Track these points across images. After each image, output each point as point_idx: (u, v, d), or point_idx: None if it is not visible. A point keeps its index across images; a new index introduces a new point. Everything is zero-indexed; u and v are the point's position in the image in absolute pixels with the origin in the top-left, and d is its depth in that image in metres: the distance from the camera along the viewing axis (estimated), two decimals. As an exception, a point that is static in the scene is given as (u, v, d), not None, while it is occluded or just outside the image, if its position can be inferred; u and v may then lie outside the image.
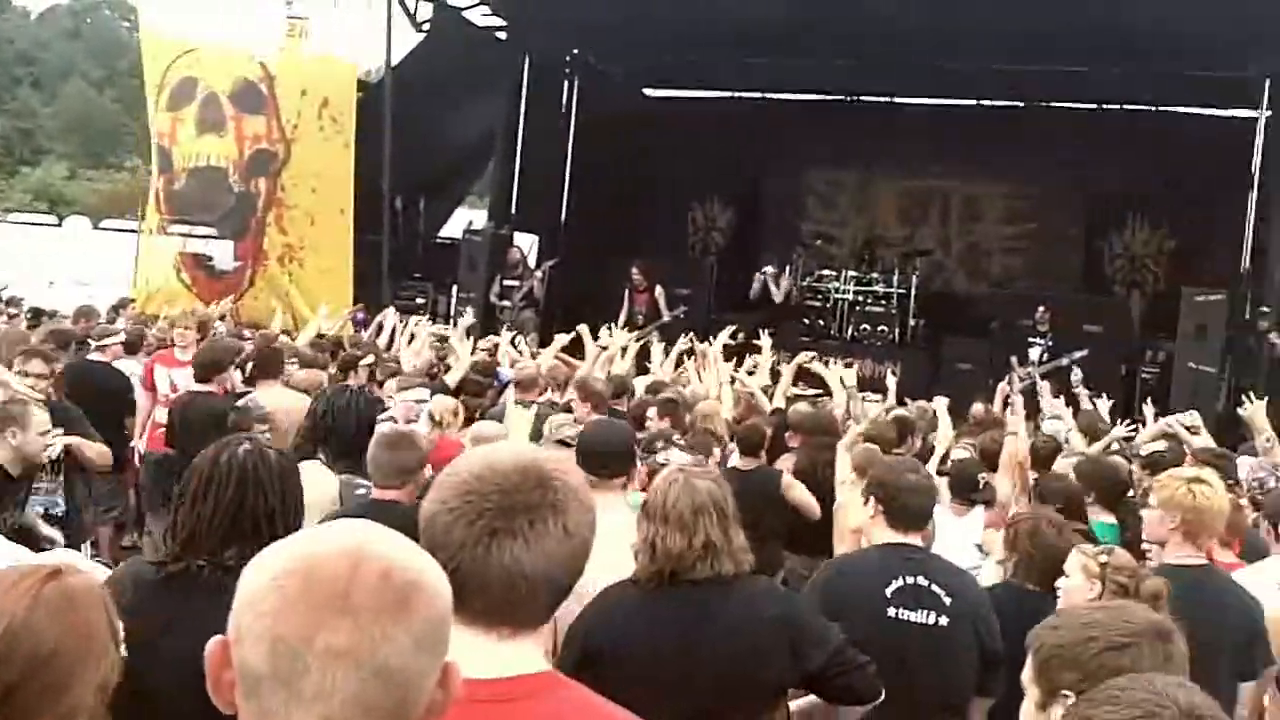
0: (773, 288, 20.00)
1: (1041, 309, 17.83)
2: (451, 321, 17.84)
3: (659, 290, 19.14)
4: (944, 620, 4.52)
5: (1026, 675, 2.63)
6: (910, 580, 4.57)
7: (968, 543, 6.47)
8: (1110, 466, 7.02)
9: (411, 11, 19.38)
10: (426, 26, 19.74)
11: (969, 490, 7.30)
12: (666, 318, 18.40)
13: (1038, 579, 4.98)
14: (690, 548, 3.86)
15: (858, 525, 5.58)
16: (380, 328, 13.28)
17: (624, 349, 12.10)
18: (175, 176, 17.47)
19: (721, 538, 3.92)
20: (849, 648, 4.03)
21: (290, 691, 1.52)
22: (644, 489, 4.89)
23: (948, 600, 4.55)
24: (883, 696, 4.06)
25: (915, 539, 4.78)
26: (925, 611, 4.53)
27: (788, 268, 20.38)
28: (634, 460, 5.12)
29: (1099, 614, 2.64)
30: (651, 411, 8.50)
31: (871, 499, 4.79)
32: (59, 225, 34.88)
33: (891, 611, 4.50)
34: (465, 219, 22.46)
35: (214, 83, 17.23)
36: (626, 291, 19.31)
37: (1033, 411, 11.83)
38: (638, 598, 3.95)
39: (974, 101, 22.71)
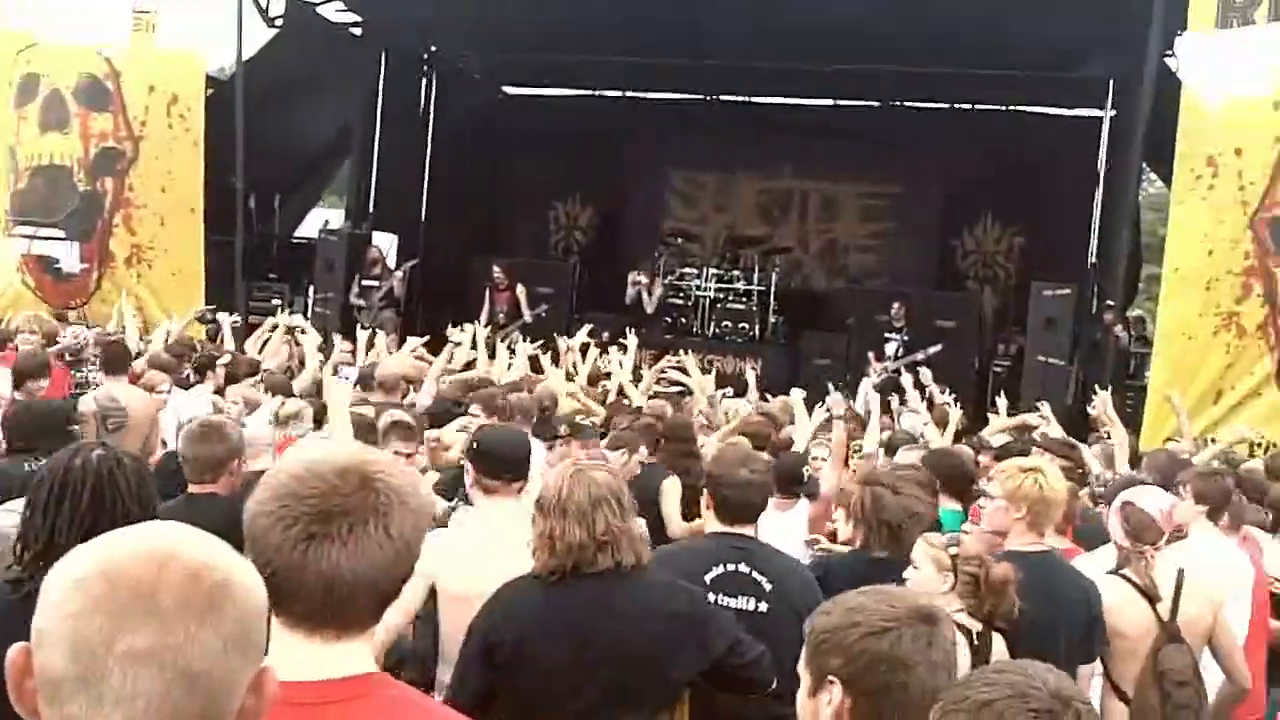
0: (645, 297, 19.96)
1: (897, 305, 18.13)
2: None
3: (520, 289, 19.02)
4: (764, 606, 4.53)
5: (801, 662, 2.62)
6: (731, 567, 4.59)
7: (793, 536, 6.49)
8: (955, 455, 7.14)
9: (263, 6, 19.07)
10: (279, 22, 19.44)
11: (793, 484, 7.35)
12: (528, 317, 18.38)
13: (884, 543, 5.08)
14: (590, 538, 3.88)
15: None
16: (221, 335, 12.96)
17: (488, 351, 12.09)
18: (20, 176, 16.99)
19: (621, 527, 3.94)
20: (746, 636, 4.09)
21: (91, 695, 1.45)
22: None
23: (768, 586, 4.57)
24: (775, 684, 4.08)
25: (746, 529, 4.79)
26: (745, 598, 4.56)
27: (657, 277, 20.31)
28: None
29: (865, 598, 2.61)
30: (475, 408, 8.45)
31: (706, 491, 4.85)
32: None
33: (710, 597, 4.48)
34: (322, 218, 22.14)
35: (57, 79, 16.75)
36: (488, 290, 19.19)
37: (888, 406, 12.05)
38: (538, 591, 3.96)
39: (831, 102, 22.98)
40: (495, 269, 19.30)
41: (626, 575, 3.94)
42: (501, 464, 4.84)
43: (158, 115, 16.71)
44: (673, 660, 3.94)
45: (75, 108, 16.74)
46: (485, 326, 17.09)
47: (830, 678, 2.49)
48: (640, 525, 4.16)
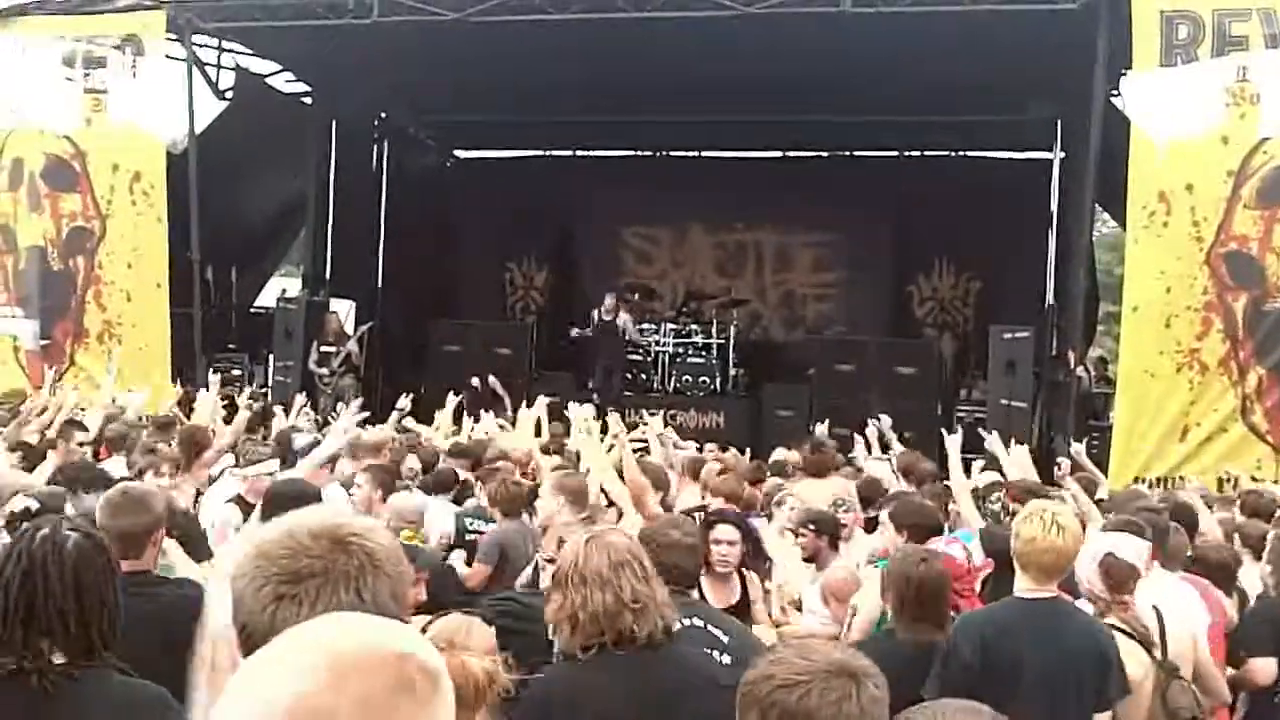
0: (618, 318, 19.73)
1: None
2: (268, 393, 17.55)
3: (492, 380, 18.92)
4: (726, 659, 4.41)
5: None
6: (687, 622, 4.42)
7: None
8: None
9: (213, 80, 19.07)
10: (230, 94, 19.45)
11: None
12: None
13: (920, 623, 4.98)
14: (619, 603, 3.70)
15: None
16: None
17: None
18: (20, 257, 16.94)
19: (647, 592, 3.78)
20: None
21: None
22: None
23: (726, 639, 4.51)
24: None
25: (690, 592, 4.78)
26: (708, 651, 4.47)
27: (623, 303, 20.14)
28: None
29: (788, 651, 2.62)
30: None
31: None
32: None
33: None
34: (280, 287, 22.07)
35: (30, 162, 16.77)
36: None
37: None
38: (580, 672, 3.76)
39: (780, 154, 23.20)
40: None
41: (666, 644, 3.78)
42: None
43: (122, 193, 16.69)
44: None
45: (44, 189, 16.73)
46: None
47: None
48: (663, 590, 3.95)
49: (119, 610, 3.32)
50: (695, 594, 4.83)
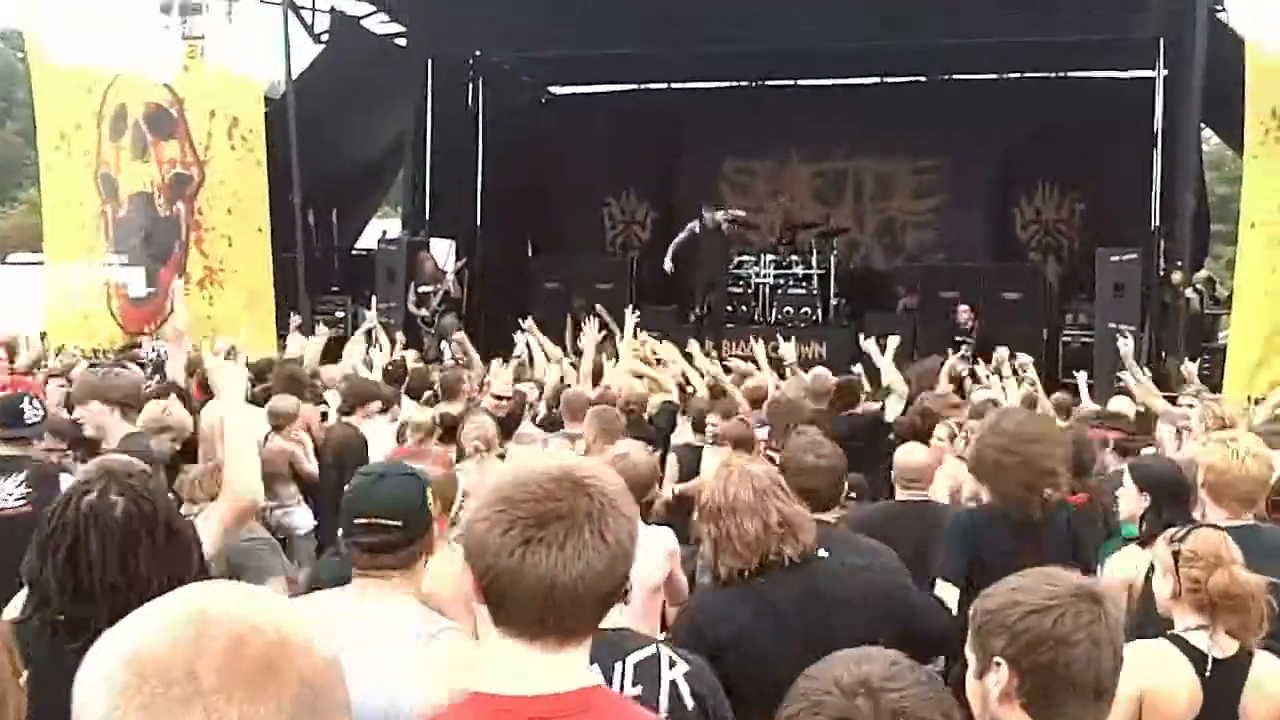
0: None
1: (965, 310, 17.86)
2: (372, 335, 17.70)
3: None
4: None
5: (967, 645, 2.64)
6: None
7: None
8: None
9: (309, 24, 19.16)
10: (325, 37, 19.53)
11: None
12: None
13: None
14: (768, 529, 3.87)
15: None
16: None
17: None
18: (120, 205, 17.20)
19: (793, 514, 3.95)
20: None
21: None
22: None
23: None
24: None
25: (826, 516, 4.70)
26: None
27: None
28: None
29: (1026, 579, 2.62)
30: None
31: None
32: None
33: None
34: (380, 229, 22.22)
35: (133, 109, 16.99)
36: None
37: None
38: (733, 594, 3.94)
39: (879, 79, 22.88)
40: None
41: (813, 561, 3.94)
42: None
43: (220, 138, 16.90)
44: (879, 640, 3.88)
45: (149, 136, 16.97)
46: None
47: (996, 659, 2.51)
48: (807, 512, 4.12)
49: (181, 577, 3.00)
50: (833, 517, 4.81)
